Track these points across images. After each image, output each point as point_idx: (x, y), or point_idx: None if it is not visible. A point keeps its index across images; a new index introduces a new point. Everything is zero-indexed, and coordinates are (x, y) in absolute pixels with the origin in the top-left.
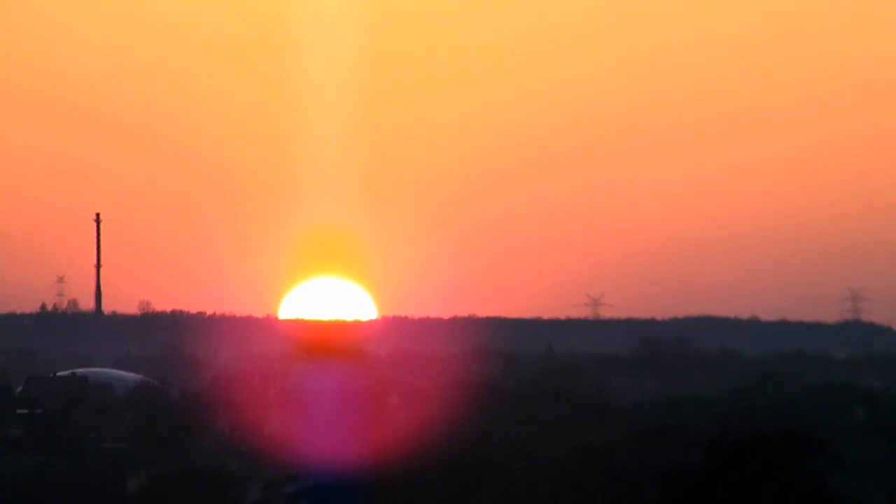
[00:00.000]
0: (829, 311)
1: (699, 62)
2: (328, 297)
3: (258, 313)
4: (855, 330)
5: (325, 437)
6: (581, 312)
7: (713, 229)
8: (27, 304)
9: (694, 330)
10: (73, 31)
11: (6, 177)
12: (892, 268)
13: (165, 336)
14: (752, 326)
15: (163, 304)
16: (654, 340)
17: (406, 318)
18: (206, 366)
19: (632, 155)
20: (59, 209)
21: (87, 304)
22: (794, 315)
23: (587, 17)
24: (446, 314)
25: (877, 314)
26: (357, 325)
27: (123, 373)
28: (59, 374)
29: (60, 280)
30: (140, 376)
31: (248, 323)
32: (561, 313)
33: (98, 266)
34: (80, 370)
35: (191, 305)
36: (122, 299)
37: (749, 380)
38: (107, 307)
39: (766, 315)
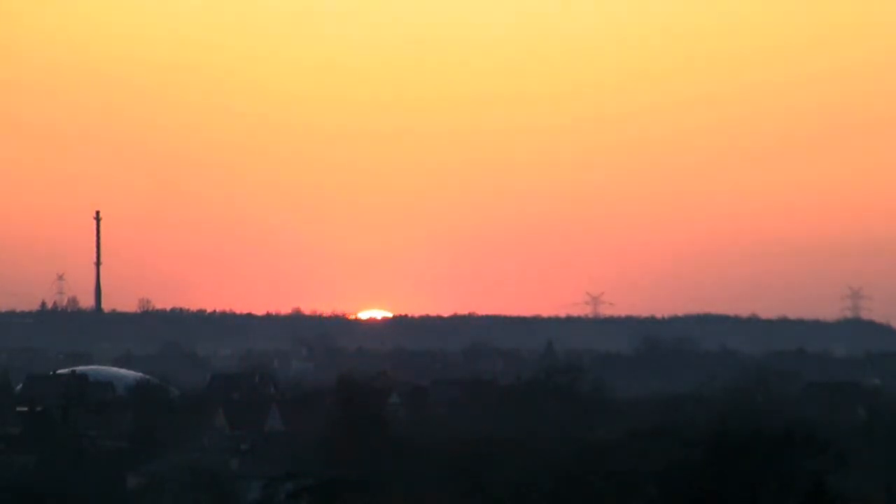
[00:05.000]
0: (829, 309)
1: (698, 61)
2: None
3: (259, 311)
4: (855, 328)
5: (325, 435)
6: (581, 310)
7: (713, 227)
8: (27, 302)
9: (694, 328)
10: (73, 27)
11: (6, 175)
12: (893, 266)
13: (165, 334)
14: (751, 324)
15: (163, 302)
16: (654, 339)
17: (406, 315)
18: (206, 363)
19: (632, 153)
20: (59, 207)
21: (86, 301)
22: (794, 313)
23: (595, 20)
24: (446, 312)
25: (877, 312)
26: (358, 322)
27: (123, 371)
28: (59, 371)
29: (60, 278)
30: (140, 374)
31: (249, 321)
32: (561, 311)
33: (98, 264)
34: (79, 368)
35: (191, 303)
36: (122, 297)
37: (749, 378)
38: (107, 305)
39: (766, 313)
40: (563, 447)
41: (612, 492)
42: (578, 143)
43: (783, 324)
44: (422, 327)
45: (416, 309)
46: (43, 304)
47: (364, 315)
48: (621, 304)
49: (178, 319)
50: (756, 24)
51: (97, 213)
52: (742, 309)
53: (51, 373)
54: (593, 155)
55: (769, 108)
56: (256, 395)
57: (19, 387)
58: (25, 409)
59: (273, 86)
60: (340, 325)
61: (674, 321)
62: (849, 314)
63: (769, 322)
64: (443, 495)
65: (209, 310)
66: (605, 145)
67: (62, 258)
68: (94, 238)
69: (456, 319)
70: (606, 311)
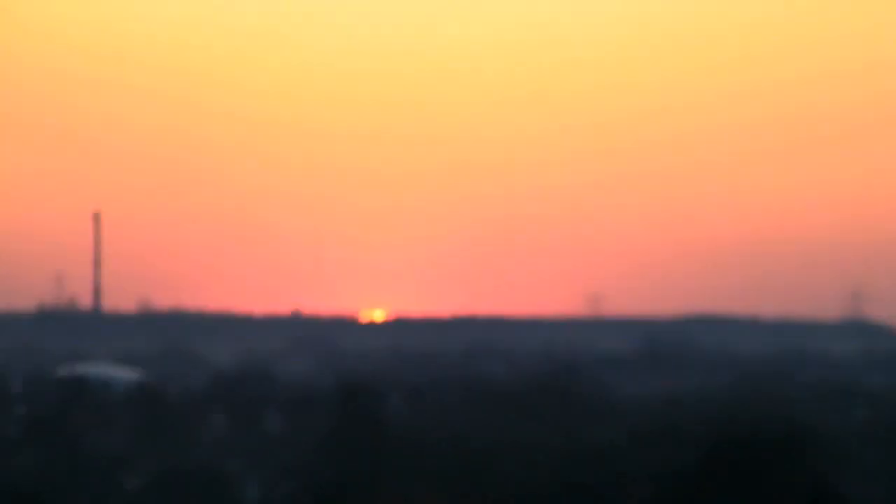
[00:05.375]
0: (830, 309)
1: (699, 61)
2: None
3: (259, 311)
4: (856, 328)
5: (325, 435)
6: (581, 310)
7: (713, 227)
8: (26, 302)
9: (694, 328)
10: (73, 27)
11: (5, 175)
12: (893, 266)
13: (165, 333)
14: (751, 324)
15: (162, 302)
16: (655, 339)
17: (406, 315)
18: (206, 363)
19: (632, 152)
20: (59, 206)
21: (86, 301)
22: (794, 313)
23: (595, 19)
24: (446, 312)
25: (878, 312)
26: (358, 322)
27: (122, 370)
28: (58, 371)
29: (59, 277)
30: (139, 374)
31: (249, 321)
32: (561, 311)
33: (97, 263)
34: (79, 368)
35: (191, 303)
36: (122, 296)
37: (749, 378)
38: (106, 304)
39: (766, 313)
40: (562, 448)
41: (612, 492)
42: (578, 142)
43: (783, 324)
44: (421, 327)
45: (415, 309)
46: (42, 303)
47: (364, 315)
48: (621, 304)
49: (178, 319)
50: (756, 24)
51: (97, 213)
52: (742, 309)
53: (50, 373)
54: (593, 154)
55: (769, 108)
56: (256, 395)
57: (18, 387)
58: (24, 409)
59: (273, 86)
60: (340, 326)
61: (674, 321)
62: (850, 314)
63: (769, 322)
64: (442, 496)
65: (209, 310)
66: (606, 145)
67: (61, 258)
68: (93, 238)
69: (456, 319)
70: (607, 310)
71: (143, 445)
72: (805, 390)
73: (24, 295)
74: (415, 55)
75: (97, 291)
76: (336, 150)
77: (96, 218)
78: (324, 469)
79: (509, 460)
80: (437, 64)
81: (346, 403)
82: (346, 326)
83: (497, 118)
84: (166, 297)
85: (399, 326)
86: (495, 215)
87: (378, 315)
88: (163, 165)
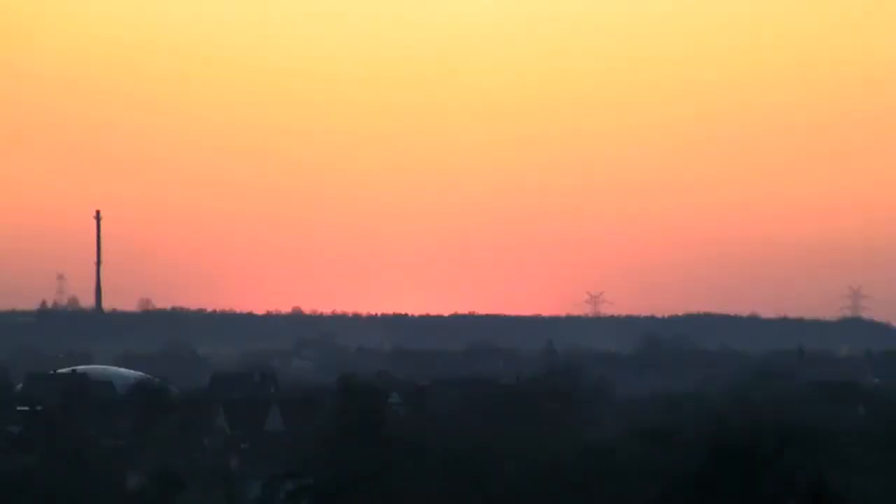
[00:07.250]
0: (829, 309)
1: (700, 63)
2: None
3: (259, 311)
4: (855, 327)
5: (325, 434)
6: (581, 310)
7: (713, 227)
8: (27, 302)
9: (694, 328)
10: (72, 29)
11: (6, 173)
12: (893, 266)
13: (165, 334)
14: (751, 324)
15: (163, 302)
16: (655, 338)
17: (406, 315)
18: (206, 363)
19: (633, 152)
20: (59, 207)
21: (87, 301)
22: (794, 312)
23: (585, 18)
24: (446, 311)
25: (877, 311)
26: (358, 321)
27: (123, 370)
28: (59, 371)
29: (61, 277)
30: (140, 373)
31: (249, 320)
32: (561, 310)
33: (98, 263)
34: (79, 368)
35: (191, 303)
36: (122, 297)
37: (749, 377)
38: (107, 305)
39: (766, 312)
40: (563, 447)
41: (612, 492)
42: (578, 143)
43: (783, 324)
44: (422, 327)
45: (416, 309)
46: (43, 303)
47: (364, 314)
48: (621, 304)
49: (178, 319)
50: (760, 25)
51: (97, 213)
52: (742, 309)
53: (51, 372)
54: (594, 152)
55: (769, 111)
56: (257, 394)
57: (20, 386)
58: (26, 408)
59: (272, 86)
60: (340, 325)
61: (674, 321)
62: (849, 313)
63: (769, 322)
64: (443, 495)
65: (209, 310)
66: (606, 145)
67: (62, 258)
68: (94, 238)
69: (456, 319)
70: (606, 310)
71: (144, 444)
72: (804, 390)
73: (26, 295)
74: (418, 56)
75: (97, 291)
76: (336, 150)
77: (97, 218)
78: (324, 468)
79: (509, 460)
80: (439, 65)
81: (346, 403)
82: (346, 325)
83: (498, 119)
84: (166, 297)
85: (399, 326)
86: (495, 215)
87: (378, 314)
88: (163, 165)
